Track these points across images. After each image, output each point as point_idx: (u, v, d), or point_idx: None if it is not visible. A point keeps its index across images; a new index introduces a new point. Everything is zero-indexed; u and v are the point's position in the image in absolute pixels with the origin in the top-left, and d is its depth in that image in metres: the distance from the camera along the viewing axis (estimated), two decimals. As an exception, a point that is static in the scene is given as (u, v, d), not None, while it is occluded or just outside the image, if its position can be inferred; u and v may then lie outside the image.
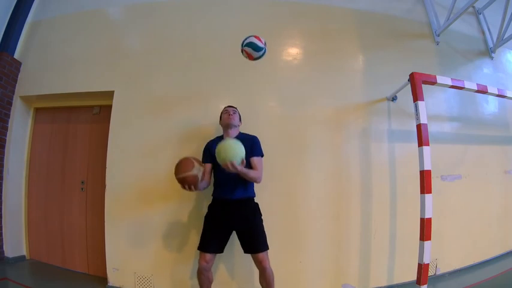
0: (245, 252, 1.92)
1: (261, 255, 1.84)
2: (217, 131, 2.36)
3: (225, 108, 2.17)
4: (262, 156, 2.04)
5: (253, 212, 1.98)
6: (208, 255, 1.86)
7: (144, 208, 2.41)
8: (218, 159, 1.70)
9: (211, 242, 1.89)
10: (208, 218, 2.00)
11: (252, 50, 1.82)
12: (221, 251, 1.93)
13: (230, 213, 1.92)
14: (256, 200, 2.06)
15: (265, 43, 1.84)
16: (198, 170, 1.81)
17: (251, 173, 1.88)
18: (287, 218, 2.39)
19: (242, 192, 1.96)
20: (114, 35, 2.88)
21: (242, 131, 2.15)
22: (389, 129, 2.66)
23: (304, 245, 2.38)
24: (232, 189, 1.93)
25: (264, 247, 1.88)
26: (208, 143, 2.13)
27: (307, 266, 2.35)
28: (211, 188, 2.08)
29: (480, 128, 2.99)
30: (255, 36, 1.83)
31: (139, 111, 2.58)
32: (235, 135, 2.05)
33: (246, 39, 1.85)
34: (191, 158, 1.86)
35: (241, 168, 1.72)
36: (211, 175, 2.06)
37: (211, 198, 2.06)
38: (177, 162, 1.84)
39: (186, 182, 1.77)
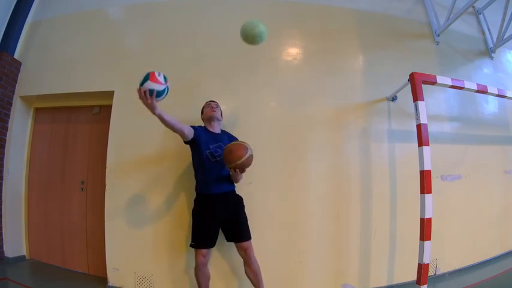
0: (229, 240, 2.00)
1: (246, 243, 1.93)
2: (217, 131, 2.36)
3: (207, 102, 2.23)
4: None
5: (237, 203, 2.07)
6: (204, 251, 1.91)
7: (144, 208, 2.41)
8: (244, 36, 1.61)
9: (206, 237, 1.94)
10: (197, 213, 2.02)
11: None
12: (213, 245, 1.98)
13: (218, 206, 1.97)
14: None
15: (164, 78, 1.61)
16: (251, 150, 1.83)
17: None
18: (287, 218, 2.38)
19: (227, 185, 2.04)
20: (114, 35, 2.88)
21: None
22: (389, 129, 2.66)
23: (304, 245, 2.37)
24: (218, 184, 1.99)
25: (249, 236, 1.97)
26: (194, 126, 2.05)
27: (307, 266, 2.35)
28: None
29: (480, 128, 2.99)
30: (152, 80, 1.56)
31: (139, 111, 2.56)
32: (218, 130, 2.14)
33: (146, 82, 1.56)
34: (238, 142, 1.89)
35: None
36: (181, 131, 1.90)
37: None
38: (225, 152, 1.83)
39: (245, 166, 1.82)
